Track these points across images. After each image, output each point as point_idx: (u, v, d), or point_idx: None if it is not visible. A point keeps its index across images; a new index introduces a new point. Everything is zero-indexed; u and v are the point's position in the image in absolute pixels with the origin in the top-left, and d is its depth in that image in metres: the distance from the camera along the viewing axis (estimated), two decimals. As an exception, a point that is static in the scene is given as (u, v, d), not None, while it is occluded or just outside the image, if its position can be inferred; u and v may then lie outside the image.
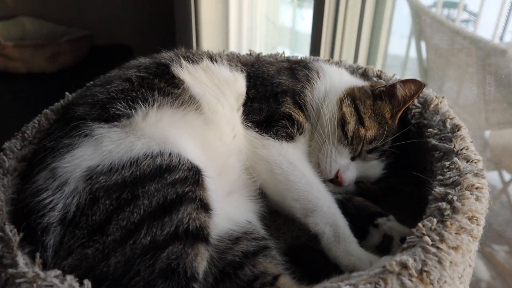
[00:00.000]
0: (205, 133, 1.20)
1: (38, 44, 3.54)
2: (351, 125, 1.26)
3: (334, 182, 1.26)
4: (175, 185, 0.98)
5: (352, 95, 1.32)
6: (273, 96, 1.33)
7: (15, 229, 0.90)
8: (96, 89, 1.19)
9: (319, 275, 1.08)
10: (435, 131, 1.24)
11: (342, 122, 1.27)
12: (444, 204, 0.96)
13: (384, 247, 1.13)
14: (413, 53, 2.70)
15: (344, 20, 2.40)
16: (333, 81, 1.41)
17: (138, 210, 0.92)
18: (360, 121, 1.26)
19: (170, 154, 1.02)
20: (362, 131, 1.25)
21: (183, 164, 1.02)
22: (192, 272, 0.89)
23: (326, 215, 1.13)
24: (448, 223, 0.90)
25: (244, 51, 1.93)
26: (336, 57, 2.50)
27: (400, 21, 2.61)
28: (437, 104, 1.31)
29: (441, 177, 1.08)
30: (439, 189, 1.02)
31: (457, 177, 1.05)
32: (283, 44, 3.81)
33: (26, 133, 1.24)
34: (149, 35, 3.88)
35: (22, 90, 3.47)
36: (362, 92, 1.34)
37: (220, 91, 1.30)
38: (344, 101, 1.30)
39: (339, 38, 2.45)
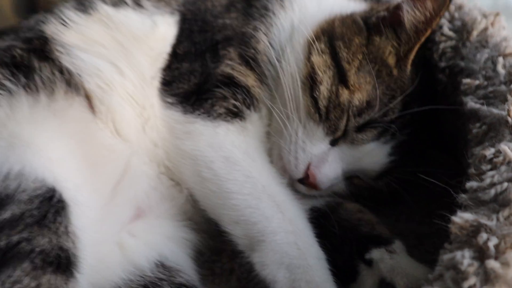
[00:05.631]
0: (86, 127, 0.77)
1: None
2: (323, 86, 0.74)
3: (304, 183, 0.77)
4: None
5: (330, 32, 0.79)
6: (211, 48, 0.84)
7: None
8: None
9: None
10: (477, 82, 0.68)
11: (310, 82, 0.76)
12: (466, 259, 0.45)
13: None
14: None
15: None
16: (307, 10, 0.86)
17: None
18: (341, 77, 0.74)
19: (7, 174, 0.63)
20: (344, 94, 0.73)
21: (23, 190, 0.62)
22: None
23: (281, 249, 0.66)
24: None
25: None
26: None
27: None
28: (486, 30, 0.73)
29: (474, 183, 0.55)
30: (462, 216, 0.50)
31: (506, 184, 0.51)
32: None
33: None
34: None
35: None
36: (348, 24, 0.79)
37: (123, 52, 0.84)
38: (314, 45, 0.77)
39: None
